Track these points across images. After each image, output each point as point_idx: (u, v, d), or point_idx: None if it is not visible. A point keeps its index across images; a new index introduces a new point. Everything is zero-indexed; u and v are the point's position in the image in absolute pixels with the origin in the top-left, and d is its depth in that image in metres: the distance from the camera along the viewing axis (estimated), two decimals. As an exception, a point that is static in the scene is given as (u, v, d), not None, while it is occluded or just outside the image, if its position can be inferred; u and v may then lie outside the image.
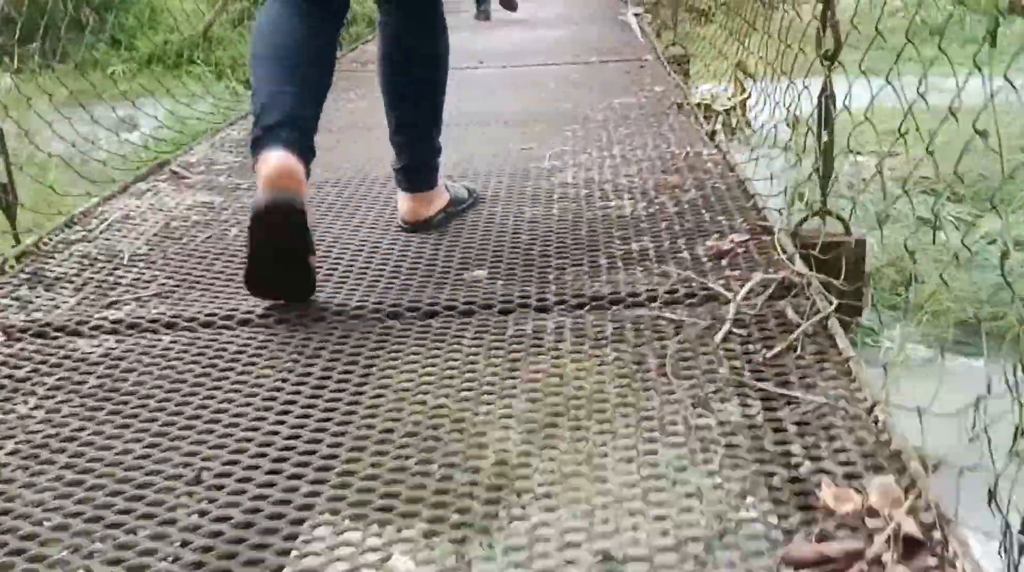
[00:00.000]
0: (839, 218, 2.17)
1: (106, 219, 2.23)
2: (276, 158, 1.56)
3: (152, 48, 9.27)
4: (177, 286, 1.81)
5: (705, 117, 3.03)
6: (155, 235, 2.11)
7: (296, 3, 1.74)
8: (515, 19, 6.90)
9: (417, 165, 2.04)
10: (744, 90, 3.07)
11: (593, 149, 2.72)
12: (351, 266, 1.89)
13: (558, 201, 2.26)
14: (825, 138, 2.16)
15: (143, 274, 1.88)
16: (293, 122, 1.62)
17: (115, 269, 1.91)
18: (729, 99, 3.15)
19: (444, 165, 2.51)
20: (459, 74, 3.94)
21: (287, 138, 1.59)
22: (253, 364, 1.48)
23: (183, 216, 2.25)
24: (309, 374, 1.44)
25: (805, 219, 2.10)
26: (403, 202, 2.08)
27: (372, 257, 1.93)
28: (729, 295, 1.63)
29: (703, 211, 2.14)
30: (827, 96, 2.15)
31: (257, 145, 1.60)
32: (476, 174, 2.52)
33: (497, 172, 2.53)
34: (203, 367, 1.48)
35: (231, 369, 1.47)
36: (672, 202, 2.22)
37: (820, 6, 2.12)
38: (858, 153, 3.38)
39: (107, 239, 2.09)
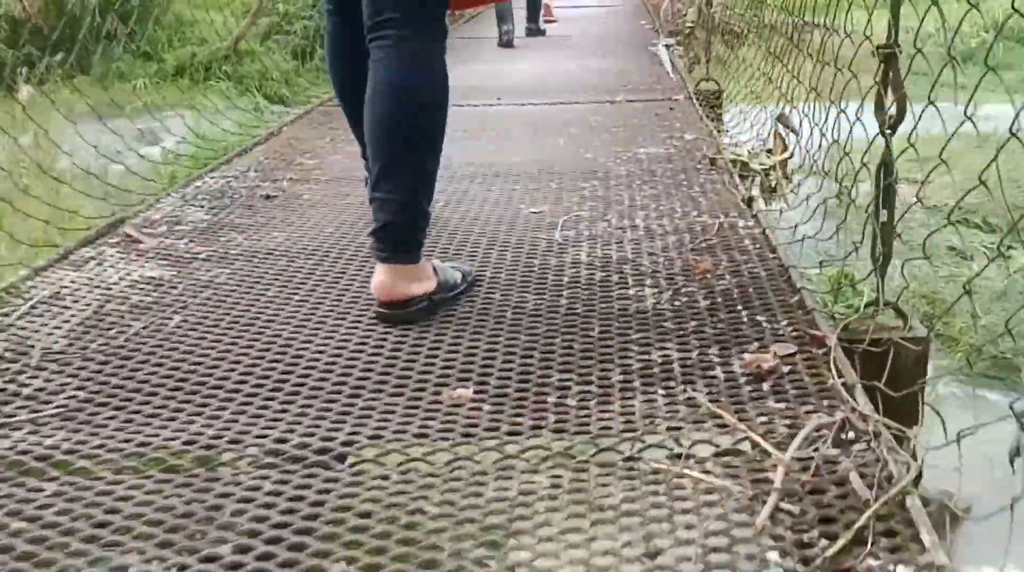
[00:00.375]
0: (898, 311, 1.81)
1: (31, 297, 1.89)
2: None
3: (179, 60, 9.15)
4: (86, 402, 1.46)
5: (741, 176, 2.66)
6: (80, 324, 1.76)
7: (334, 23, 2.03)
8: (541, 46, 6.57)
9: (398, 225, 1.70)
10: (785, 146, 2.69)
11: (613, 215, 2.36)
12: (306, 374, 1.53)
13: (568, 287, 1.90)
14: (883, 218, 1.80)
15: (50, 382, 1.53)
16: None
17: (19, 372, 1.57)
18: (768, 155, 2.77)
19: (440, 232, 2.18)
20: (474, 112, 3.61)
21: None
22: (151, 534, 1.12)
23: (122, 296, 1.91)
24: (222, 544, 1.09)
25: (858, 314, 1.75)
26: (378, 275, 1.73)
27: (333, 363, 1.57)
28: (774, 451, 1.25)
29: (739, 306, 1.77)
30: (887, 170, 1.80)
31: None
32: (475, 246, 2.17)
33: (501, 243, 2.18)
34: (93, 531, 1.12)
35: (129, 531, 1.11)
36: (703, 292, 1.85)
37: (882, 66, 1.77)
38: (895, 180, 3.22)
39: (22, 328, 1.75)
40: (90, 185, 4.23)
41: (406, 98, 1.67)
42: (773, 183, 2.62)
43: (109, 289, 1.95)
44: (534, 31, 6.99)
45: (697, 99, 4.32)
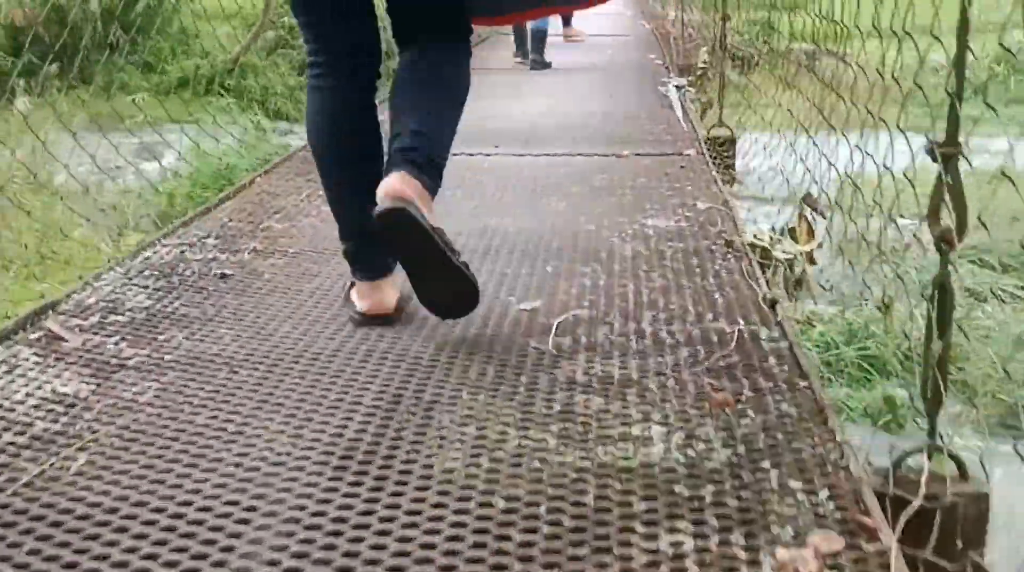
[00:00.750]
0: (954, 458, 1.50)
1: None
2: (369, 296, 1.99)
3: (182, 73, 8.94)
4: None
5: (761, 264, 2.34)
6: (-40, 468, 1.44)
7: (330, 87, 1.93)
8: (546, 79, 6.27)
9: (417, 155, 1.82)
10: (811, 230, 2.37)
11: (616, 316, 2.04)
12: (251, 555, 1.21)
13: (558, 419, 1.58)
14: (938, 348, 1.49)
15: None
16: (363, 246, 1.97)
17: None
18: (791, 234, 2.45)
19: (413, 334, 1.89)
20: (470, 163, 3.30)
21: (364, 265, 1.98)
22: None
23: (24, 422, 1.58)
24: None
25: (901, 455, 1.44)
26: (388, 179, 1.77)
27: (283, 545, 1.25)
28: None
29: (767, 462, 1.45)
30: (944, 294, 1.50)
31: (347, 261, 2.02)
32: (452, 354, 1.85)
33: (484, 353, 1.86)
34: None
35: None
36: (721, 435, 1.53)
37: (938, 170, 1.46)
38: (900, 215, 2.99)
39: None
40: (86, 202, 4.03)
41: (460, 85, 1.97)
42: (798, 272, 2.30)
43: (12, 411, 1.63)
44: (539, 64, 6.68)
45: (708, 147, 4.03)
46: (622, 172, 3.44)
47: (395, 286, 2.01)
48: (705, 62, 5.31)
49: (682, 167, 3.48)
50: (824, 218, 2.29)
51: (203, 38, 9.04)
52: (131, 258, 2.47)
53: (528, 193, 3.18)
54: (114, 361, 1.83)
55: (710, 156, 3.80)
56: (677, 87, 5.23)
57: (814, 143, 3.56)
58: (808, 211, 2.40)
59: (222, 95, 8.16)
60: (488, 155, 3.79)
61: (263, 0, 7.41)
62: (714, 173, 3.35)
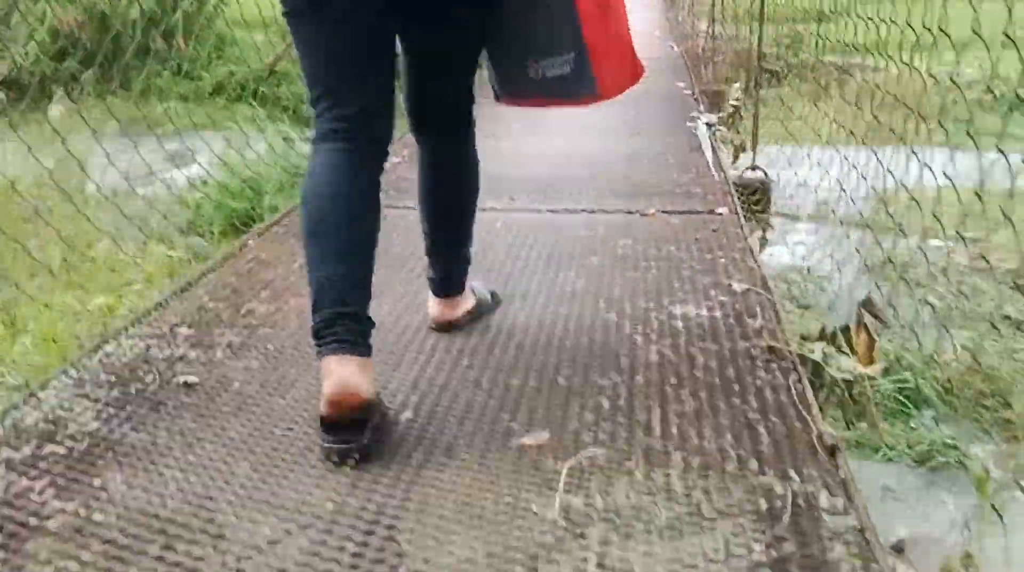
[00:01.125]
0: None
1: None
2: (338, 372, 1.64)
3: (217, 79, 8.83)
4: None
5: (812, 382, 2.00)
6: None
7: (337, 149, 1.79)
8: (565, 111, 5.86)
9: (448, 275, 2.22)
10: (872, 341, 2.03)
11: (639, 460, 1.70)
12: None
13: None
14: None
15: None
16: (348, 315, 1.69)
17: None
18: (846, 337, 2.10)
19: (392, 489, 1.51)
20: (483, 222, 2.81)
21: (343, 335, 1.67)
22: None
23: None
24: None
25: None
26: (433, 306, 2.27)
27: None
28: None
29: None
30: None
31: (317, 339, 1.69)
32: (430, 537, 1.53)
33: (470, 518, 1.53)
34: None
35: None
36: None
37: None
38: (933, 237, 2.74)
39: None
40: (114, 210, 3.99)
41: (468, 181, 2.13)
42: (856, 393, 1.96)
43: None
44: None
45: (740, 193, 3.69)
46: (647, 236, 3.10)
47: (367, 371, 1.69)
48: (738, 99, 4.95)
49: (714, 230, 3.13)
50: (887, 326, 1.95)
51: (239, 45, 8.91)
52: (89, 356, 2.17)
53: (543, 264, 2.85)
54: (33, 522, 1.52)
55: (743, 209, 3.46)
56: (708, 125, 4.84)
57: (876, 157, 3.24)
58: (868, 318, 2.04)
59: (251, 106, 8.02)
60: (502, 211, 3.45)
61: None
62: (749, 241, 2.99)
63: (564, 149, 4.65)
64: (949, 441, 2.81)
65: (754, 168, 4.27)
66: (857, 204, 3.67)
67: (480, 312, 2.34)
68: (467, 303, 2.30)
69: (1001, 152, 2.27)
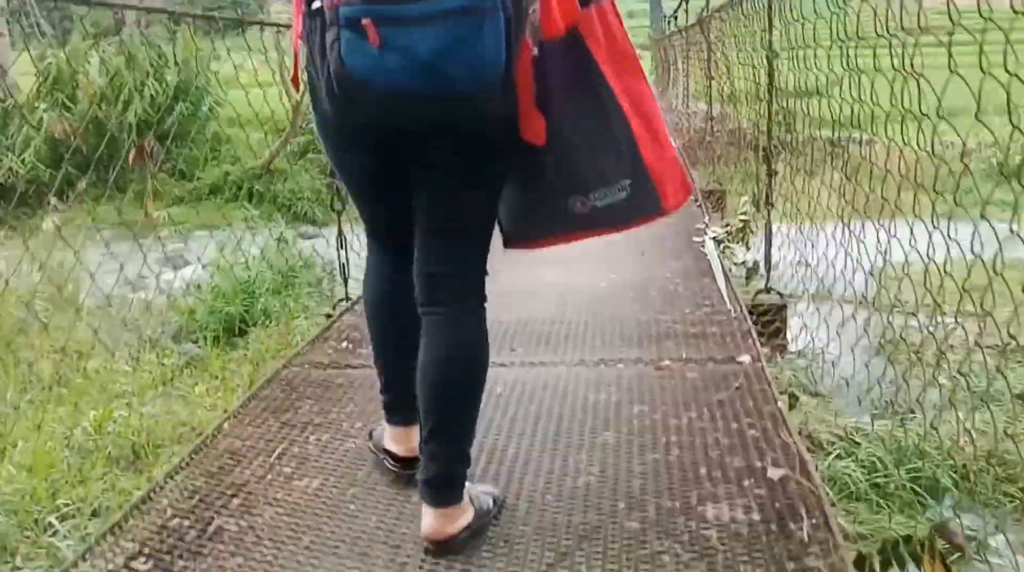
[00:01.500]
0: None
1: None
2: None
3: (213, 179, 8.96)
4: None
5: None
6: None
7: (373, 258, 1.97)
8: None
9: (445, 477, 1.85)
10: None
11: None
12: None
13: None
14: None
15: None
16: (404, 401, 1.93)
17: None
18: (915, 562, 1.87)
19: None
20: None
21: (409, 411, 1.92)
22: None
23: None
24: None
25: None
26: (427, 517, 1.86)
27: None
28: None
29: None
30: None
31: (387, 412, 2.09)
32: None
33: None
34: None
35: None
36: None
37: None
38: (943, 313, 2.66)
39: None
40: (109, 316, 3.96)
41: (463, 365, 1.83)
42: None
43: None
44: None
45: (753, 317, 3.39)
46: (664, 398, 2.63)
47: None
48: (745, 213, 4.79)
49: (737, 388, 2.67)
50: (965, 558, 1.78)
51: (235, 144, 9.06)
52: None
53: (549, 444, 2.37)
54: None
55: (759, 340, 3.10)
56: (716, 241, 4.47)
57: (876, 231, 3.15)
58: (942, 542, 1.85)
59: (246, 208, 8.11)
60: (503, 366, 2.94)
61: (293, 106, 7.36)
62: (780, 404, 2.55)
63: (563, 282, 4.00)
64: (970, 533, 2.71)
65: (768, 290, 3.86)
66: (860, 280, 3.60)
67: (480, 526, 1.91)
68: (466, 516, 1.88)
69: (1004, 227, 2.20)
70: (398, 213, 1.80)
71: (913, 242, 2.69)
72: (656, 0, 31.71)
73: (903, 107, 2.47)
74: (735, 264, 4.36)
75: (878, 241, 3.18)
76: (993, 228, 2.12)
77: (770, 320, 3.53)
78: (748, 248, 4.63)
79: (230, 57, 4.60)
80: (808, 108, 3.79)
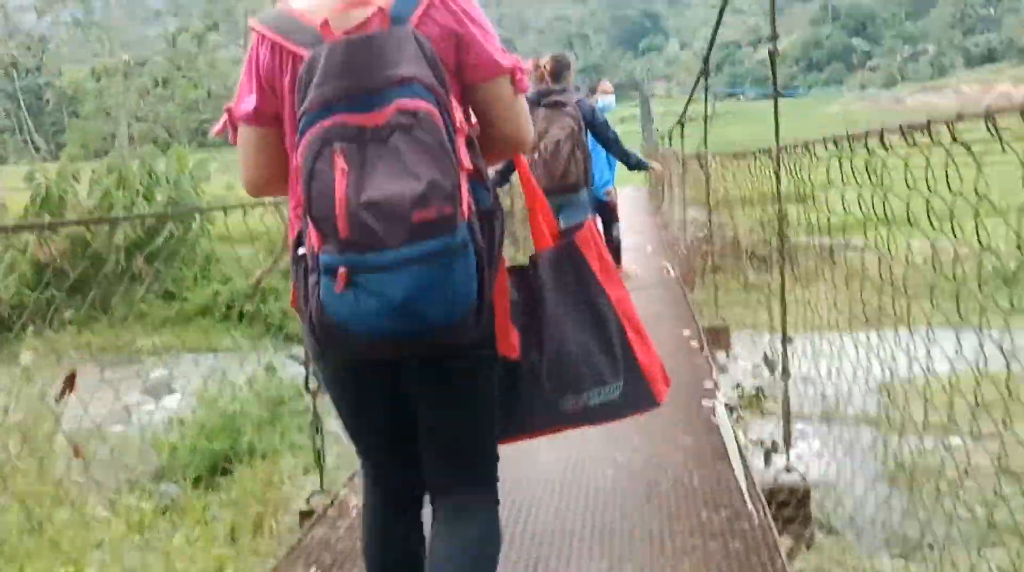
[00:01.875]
0: None
1: None
2: None
3: (202, 300, 8.76)
4: None
5: None
6: None
7: (372, 502, 1.84)
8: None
9: None
10: None
11: None
12: None
13: None
14: None
15: None
16: None
17: None
18: None
19: None
20: None
21: None
22: None
23: None
24: None
25: None
26: None
27: None
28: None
29: None
30: None
31: None
32: None
33: None
34: None
35: None
36: None
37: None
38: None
39: None
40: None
41: (484, 558, 1.75)
42: None
43: None
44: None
45: (771, 505, 3.05)
46: None
47: None
48: (759, 388, 4.64)
49: None
50: None
51: (224, 262, 8.93)
52: None
53: None
54: None
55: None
56: (729, 408, 4.02)
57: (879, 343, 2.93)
58: None
59: (233, 335, 7.95)
60: None
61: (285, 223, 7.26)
62: None
63: (562, 470, 3.44)
64: None
65: (789, 469, 3.39)
66: (865, 396, 3.40)
67: None
68: None
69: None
70: (387, 448, 1.80)
71: (928, 357, 2.54)
72: (646, 108, 32.46)
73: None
74: (750, 442, 3.88)
75: (892, 357, 3.00)
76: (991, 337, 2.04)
77: (793, 514, 3.18)
78: (761, 414, 4.39)
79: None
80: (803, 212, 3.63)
